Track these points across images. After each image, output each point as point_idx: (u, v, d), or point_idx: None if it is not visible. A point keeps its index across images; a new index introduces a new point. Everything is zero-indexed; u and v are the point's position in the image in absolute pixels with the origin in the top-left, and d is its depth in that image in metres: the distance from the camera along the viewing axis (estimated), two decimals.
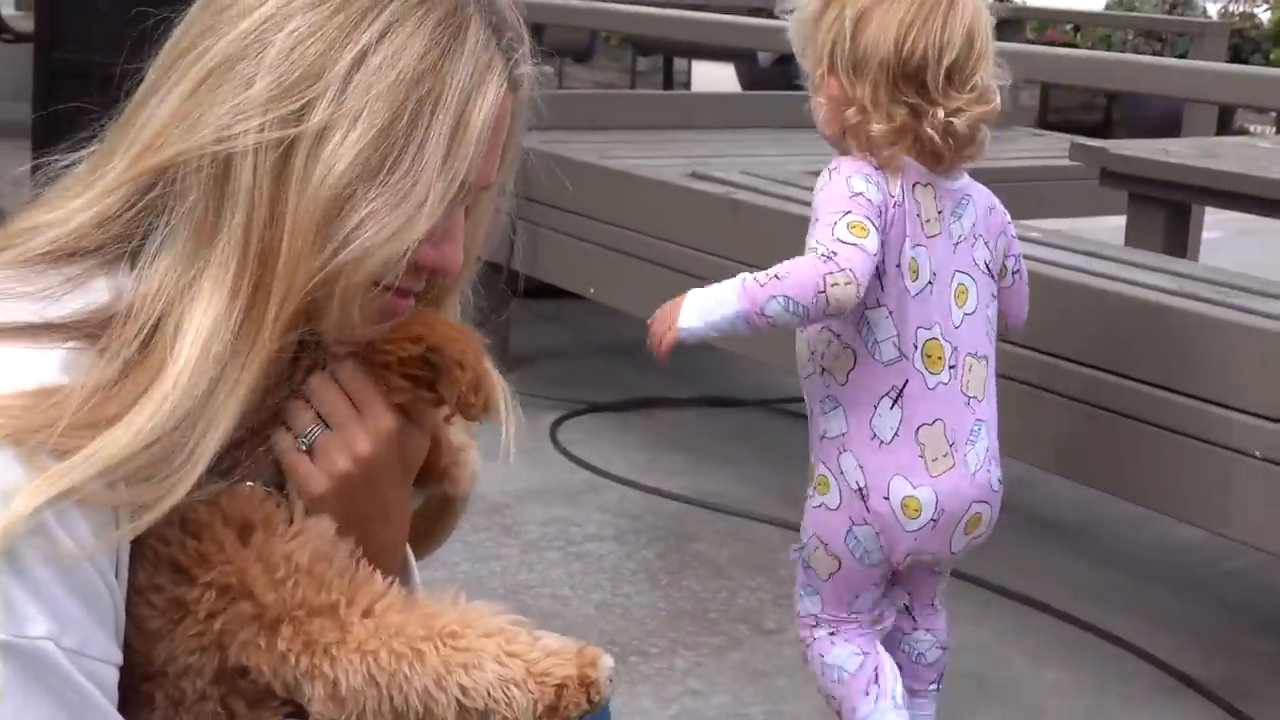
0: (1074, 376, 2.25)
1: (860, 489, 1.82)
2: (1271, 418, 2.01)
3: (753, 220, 2.88)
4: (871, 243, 1.73)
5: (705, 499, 3.03)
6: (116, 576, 0.91)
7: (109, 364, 0.89)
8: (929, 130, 1.77)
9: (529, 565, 2.69)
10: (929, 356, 1.81)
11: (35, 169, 1.05)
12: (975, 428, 1.84)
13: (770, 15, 6.62)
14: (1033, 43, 7.71)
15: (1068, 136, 4.68)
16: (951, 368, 1.82)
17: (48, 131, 3.41)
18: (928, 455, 1.81)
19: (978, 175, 1.97)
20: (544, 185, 3.43)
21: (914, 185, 1.81)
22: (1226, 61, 6.71)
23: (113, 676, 0.91)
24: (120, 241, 0.94)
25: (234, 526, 0.96)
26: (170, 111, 0.93)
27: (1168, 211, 3.35)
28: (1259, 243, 5.66)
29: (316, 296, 0.93)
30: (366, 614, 0.96)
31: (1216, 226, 5.71)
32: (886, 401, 1.81)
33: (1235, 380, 2.06)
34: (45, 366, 0.88)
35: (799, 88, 1.93)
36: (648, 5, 4.73)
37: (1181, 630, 2.57)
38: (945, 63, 1.76)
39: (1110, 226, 3.71)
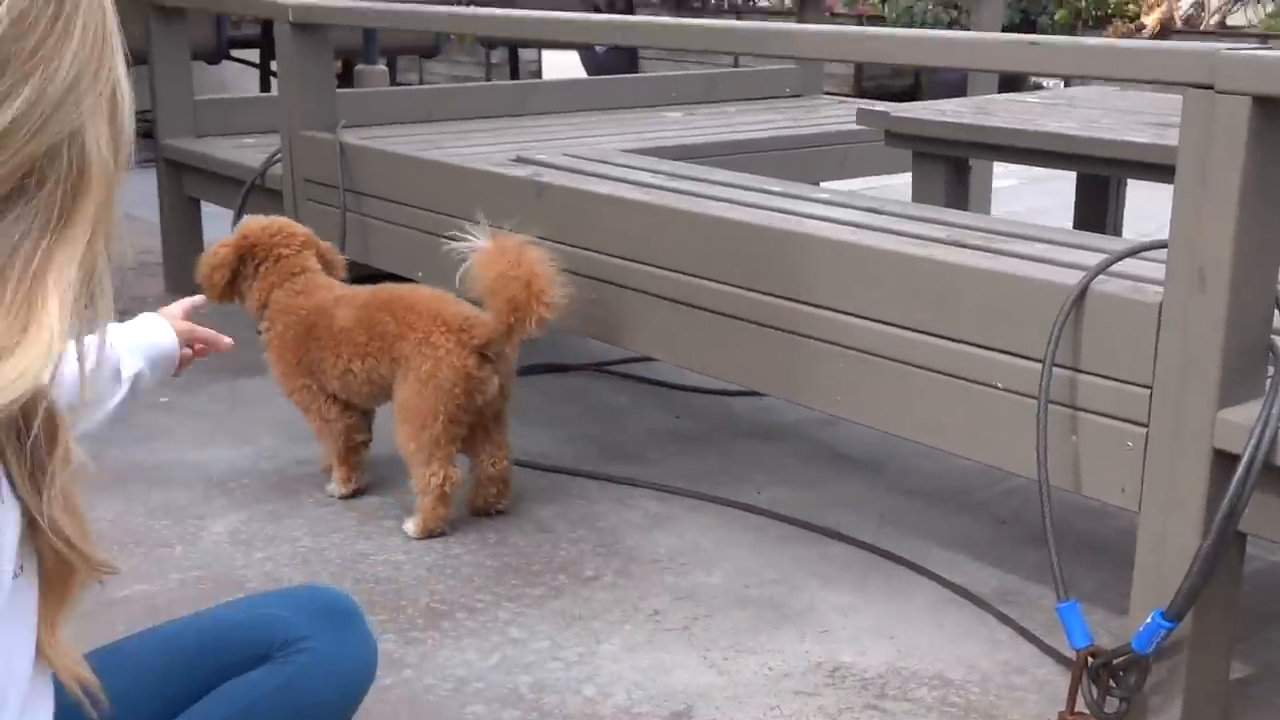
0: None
1: None
2: (1009, 351, 2.24)
3: (557, 200, 3.09)
4: None
5: (530, 459, 3.22)
6: None
7: None
8: None
9: (366, 535, 2.86)
10: None
11: None
12: None
13: (595, 9, 6.83)
14: (842, 14, 8.03)
15: (872, 103, 4.96)
16: None
17: None
18: None
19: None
20: (372, 178, 3.62)
21: None
22: (1018, 22, 7.04)
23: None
24: None
25: None
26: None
27: (947, 166, 3.64)
28: (1045, 188, 6.02)
29: None
30: None
31: (1010, 176, 6.13)
32: None
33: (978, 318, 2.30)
34: None
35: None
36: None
37: (960, 547, 2.83)
38: None
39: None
